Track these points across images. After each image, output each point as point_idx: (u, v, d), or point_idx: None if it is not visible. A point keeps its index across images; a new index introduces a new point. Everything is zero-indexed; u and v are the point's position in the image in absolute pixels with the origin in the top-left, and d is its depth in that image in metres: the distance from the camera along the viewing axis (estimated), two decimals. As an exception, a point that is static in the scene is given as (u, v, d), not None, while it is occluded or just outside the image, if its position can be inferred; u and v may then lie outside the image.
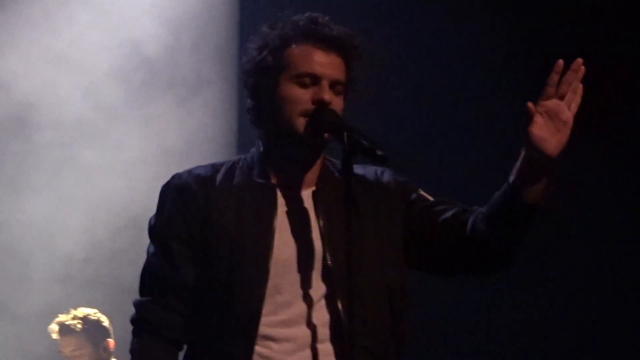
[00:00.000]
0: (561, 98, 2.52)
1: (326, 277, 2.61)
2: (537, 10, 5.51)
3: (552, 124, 2.52)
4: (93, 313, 5.29)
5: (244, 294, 2.59)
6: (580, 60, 2.52)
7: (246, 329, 2.58)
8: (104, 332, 5.27)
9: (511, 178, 2.56)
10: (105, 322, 5.30)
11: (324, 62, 2.64)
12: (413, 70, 5.62)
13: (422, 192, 2.76)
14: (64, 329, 5.22)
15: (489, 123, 5.58)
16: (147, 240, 2.75)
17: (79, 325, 5.21)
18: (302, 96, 2.62)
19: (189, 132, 6.08)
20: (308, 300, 2.61)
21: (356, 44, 2.68)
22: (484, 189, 2.72)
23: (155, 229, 2.72)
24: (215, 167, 2.75)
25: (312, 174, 2.69)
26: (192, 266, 2.66)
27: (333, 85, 2.64)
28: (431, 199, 2.75)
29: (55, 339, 5.27)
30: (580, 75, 2.53)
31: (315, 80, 2.63)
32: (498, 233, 2.61)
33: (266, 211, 2.64)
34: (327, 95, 2.61)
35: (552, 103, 2.51)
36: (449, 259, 2.71)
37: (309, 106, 2.61)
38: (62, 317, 5.27)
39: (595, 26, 5.38)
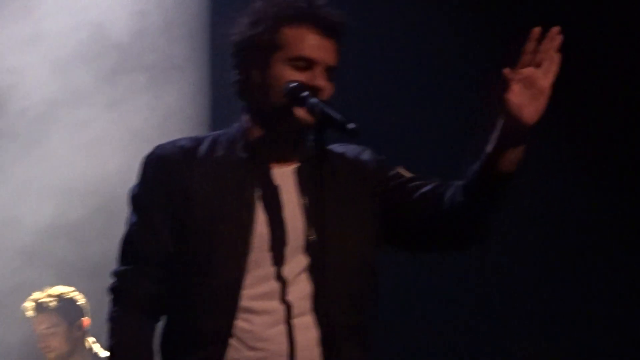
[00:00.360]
0: (538, 66, 2.52)
1: (307, 251, 2.62)
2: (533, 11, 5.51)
3: (528, 91, 2.51)
4: (68, 291, 5.23)
5: (225, 267, 2.60)
6: (556, 28, 2.51)
7: (227, 302, 2.59)
8: (78, 310, 5.20)
9: (488, 147, 2.56)
10: (81, 300, 5.24)
11: (320, 47, 2.63)
12: (409, 66, 5.65)
13: (401, 169, 2.78)
14: (39, 306, 5.15)
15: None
16: (117, 221, 2.78)
17: (53, 303, 5.15)
18: (295, 79, 2.61)
19: (158, 115, 6.04)
20: (288, 273, 2.62)
21: (346, 29, 2.68)
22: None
23: (137, 198, 2.73)
24: (198, 140, 2.75)
25: (296, 151, 2.69)
26: (172, 237, 2.66)
27: (326, 70, 2.64)
28: (410, 175, 2.76)
29: (28, 317, 5.20)
30: (557, 44, 2.51)
31: (309, 64, 2.62)
32: (474, 202, 2.61)
33: (248, 185, 2.65)
34: (322, 82, 2.62)
35: (529, 70, 2.51)
36: (426, 234, 2.73)
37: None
38: (36, 295, 5.21)
39: (594, 25, 5.41)
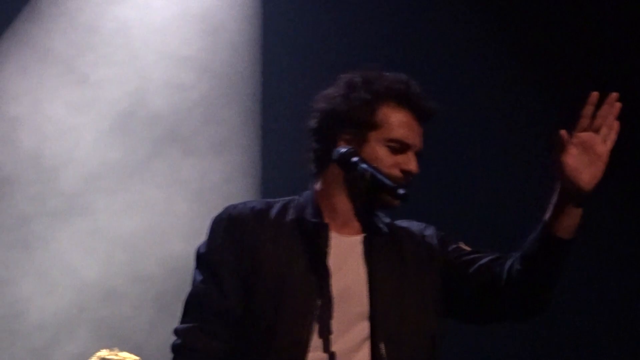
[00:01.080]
0: (596, 131, 2.53)
1: (371, 320, 2.66)
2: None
3: (586, 156, 2.52)
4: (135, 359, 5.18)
5: (291, 330, 2.64)
6: (615, 94, 2.53)
7: None
8: None
9: (546, 215, 2.59)
10: None
11: (416, 132, 2.74)
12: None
13: (462, 244, 2.84)
14: None
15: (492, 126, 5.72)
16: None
17: None
18: (388, 160, 2.69)
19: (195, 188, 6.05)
20: (352, 340, 2.67)
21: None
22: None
23: (206, 256, 2.76)
24: (269, 203, 2.82)
25: (363, 222, 2.76)
26: (240, 296, 2.70)
27: (417, 154, 2.74)
28: (469, 249, 2.82)
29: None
30: (616, 110, 2.53)
31: (404, 148, 2.71)
32: (534, 272, 2.63)
33: (318, 249, 2.70)
34: (414, 166, 2.71)
35: (587, 135, 2.52)
36: (486, 305, 2.76)
37: (397, 173, 2.70)
38: (104, 352, 5.13)
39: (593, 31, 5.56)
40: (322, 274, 2.65)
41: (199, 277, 2.73)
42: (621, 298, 5.58)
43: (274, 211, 2.77)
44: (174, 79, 6.01)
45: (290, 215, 2.75)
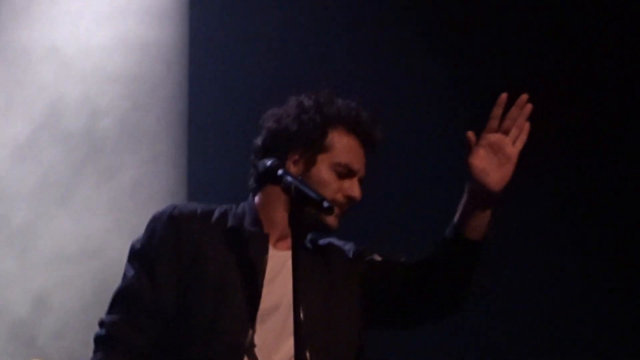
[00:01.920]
0: (506, 133, 2.55)
1: (295, 335, 2.60)
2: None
3: (495, 157, 2.54)
4: None
5: (230, 332, 2.64)
6: (525, 96, 2.53)
7: None
8: None
9: (455, 216, 2.63)
10: None
11: (361, 159, 2.76)
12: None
13: (377, 255, 2.85)
14: None
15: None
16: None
17: None
18: (334, 185, 2.71)
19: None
20: (282, 351, 2.67)
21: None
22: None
23: (141, 251, 2.74)
24: (209, 208, 2.82)
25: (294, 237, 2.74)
26: (173, 293, 2.69)
27: (360, 180, 2.75)
28: (381, 259, 2.83)
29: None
30: (526, 112, 2.54)
31: (350, 173, 2.73)
32: (446, 272, 2.67)
33: (257, 258, 2.71)
34: (358, 192, 2.73)
35: (495, 137, 2.54)
36: (403, 310, 2.80)
37: (341, 198, 2.72)
38: None
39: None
40: (257, 285, 2.67)
41: (131, 272, 2.72)
42: (621, 298, 5.67)
43: (214, 216, 2.77)
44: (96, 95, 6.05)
45: (231, 222, 2.76)
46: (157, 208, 2.86)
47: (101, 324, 2.72)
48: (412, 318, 2.81)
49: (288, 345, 2.61)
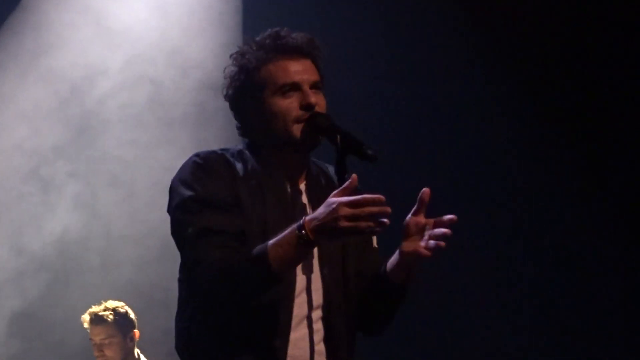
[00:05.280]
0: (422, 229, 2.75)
1: (322, 261, 2.84)
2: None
3: (419, 237, 2.75)
4: (121, 305, 5.61)
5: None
6: (454, 218, 2.71)
7: (283, 313, 2.77)
8: (131, 323, 5.59)
9: (387, 263, 2.86)
10: (132, 314, 5.62)
11: (299, 70, 2.85)
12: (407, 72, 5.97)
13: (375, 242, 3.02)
14: (96, 318, 5.52)
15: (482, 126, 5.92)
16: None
17: (110, 316, 5.52)
18: (289, 105, 2.81)
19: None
20: (311, 281, 2.84)
21: (318, 45, 2.90)
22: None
23: (199, 195, 2.75)
24: (221, 152, 2.88)
25: (302, 171, 2.92)
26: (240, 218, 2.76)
27: (312, 86, 2.85)
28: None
29: (86, 328, 5.59)
30: (446, 232, 2.70)
31: (295, 87, 2.83)
32: (374, 303, 2.90)
33: (285, 200, 2.84)
34: (312, 98, 2.82)
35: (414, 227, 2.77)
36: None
37: (299, 113, 2.81)
38: (94, 308, 5.54)
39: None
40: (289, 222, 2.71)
41: (195, 217, 2.72)
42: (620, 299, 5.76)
43: (233, 159, 2.85)
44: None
45: (249, 165, 2.85)
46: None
47: (204, 269, 2.70)
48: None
49: (315, 278, 2.82)
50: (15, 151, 6.59)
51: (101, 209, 6.74)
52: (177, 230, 2.79)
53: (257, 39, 2.90)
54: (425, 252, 2.69)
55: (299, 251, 2.60)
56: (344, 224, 2.51)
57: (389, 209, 2.52)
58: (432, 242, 2.69)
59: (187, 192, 2.76)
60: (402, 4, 6.07)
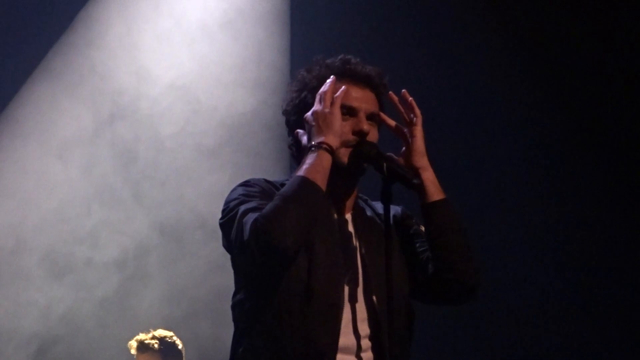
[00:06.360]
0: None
1: (368, 293, 2.81)
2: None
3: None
4: (170, 335, 5.58)
5: (326, 290, 2.76)
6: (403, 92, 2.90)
7: (332, 321, 2.75)
8: (178, 354, 5.55)
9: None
10: (180, 345, 5.58)
11: (359, 97, 2.88)
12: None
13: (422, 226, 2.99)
14: (142, 346, 5.49)
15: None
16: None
17: (156, 345, 5.49)
18: (342, 127, 2.82)
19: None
20: (356, 311, 2.81)
21: (385, 81, 2.93)
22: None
23: (244, 198, 2.80)
24: (270, 181, 2.93)
25: (349, 201, 2.92)
26: None
27: (369, 117, 2.87)
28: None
29: (132, 354, 5.55)
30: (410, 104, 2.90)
31: (352, 112, 2.86)
32: (437, 247, 2.85)
33: (332, 228, 2.84)
34: (366, 126, 2.85)
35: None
36: (431, 287, 2.92)
37: (350, 137, 2.83)
38: (141, 336, 5.52)
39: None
40: (340, 255, 2.80)
41: (240, 205, 2.77)
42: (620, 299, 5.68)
43: (279, 187, 2.86)
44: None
45: None
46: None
47: (245, 223, 2.72)
48: (435, 297, 2.94)
49: (360, 305, 2.79)
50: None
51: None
52: (226, 223, 2.80)
53: (328, 60, 2.94)
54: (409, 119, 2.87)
55: (319, 157, 2.73)
56: (320, 106, 2.77)
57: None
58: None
59: (234, 199, 2.81)
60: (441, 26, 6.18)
